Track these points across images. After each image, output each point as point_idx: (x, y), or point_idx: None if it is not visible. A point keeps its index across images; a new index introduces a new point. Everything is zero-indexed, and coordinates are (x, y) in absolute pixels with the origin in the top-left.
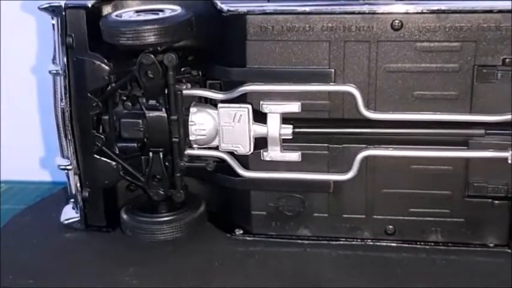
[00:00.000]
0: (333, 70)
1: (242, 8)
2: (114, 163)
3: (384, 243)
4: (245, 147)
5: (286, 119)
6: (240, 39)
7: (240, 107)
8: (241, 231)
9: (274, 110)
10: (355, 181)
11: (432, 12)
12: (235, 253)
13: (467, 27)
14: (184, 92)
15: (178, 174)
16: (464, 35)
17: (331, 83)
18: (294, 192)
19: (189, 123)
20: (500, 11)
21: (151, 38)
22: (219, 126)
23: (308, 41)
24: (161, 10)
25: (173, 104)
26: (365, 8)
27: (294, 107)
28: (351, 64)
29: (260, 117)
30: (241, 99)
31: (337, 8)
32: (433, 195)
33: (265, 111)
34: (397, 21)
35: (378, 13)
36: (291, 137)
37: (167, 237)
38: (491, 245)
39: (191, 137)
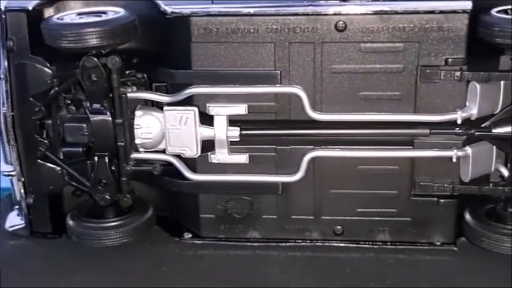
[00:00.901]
0: (278, 72)
1: (186, 9)
2: (58, 168)
3: (333, 244)
4: (192, 150)
5: (233, 121)
6: (185, 41)
7: (186, 110)
8: (190, 235)
9: (220, 112)
10: (303, 182)
11: (375, 13)
12: (183, 257)
13: (410, 28)
14: (129, 95)
15: (124, 179)
16: (407, 36)
17: (277, 85)
18: (243, 195)
19: (135, 126)
20: (442, 12)
21: (93, 41)
22: (165, 130)
23: (253, 43)
24: (104, 12)
25: (118, 107)
26: (309, 10)
27: (241, 109)
28: (296, 65)
29: (207, 119)
30: (188, 101)
31: (281, 10)
32: (380, 195)
33: (212, 113)
34: (341, 23)
35: (322, 14)
36: (238, 139)
37: (114, 242)
38: (438, 243)
39: (137, 141)
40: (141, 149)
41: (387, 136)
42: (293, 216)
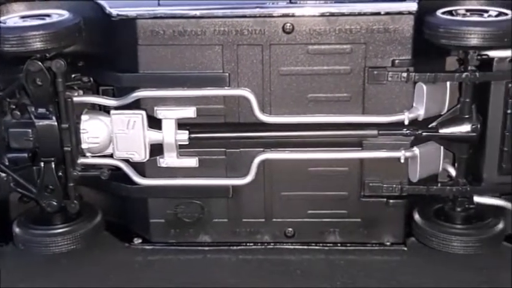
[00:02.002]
0: (227, 74)
1: (132, 12)
2: (4, 175)
3: (284, 246)
4: (140, 155)
5: (182, 124)
6: (131, 44)
7: (133, 114)
8: (140, 240)
9: (169, 115)
10: (253, 185)
11: (322, 15)
12: (133, 263)
13: (357, 30)
14: (75, 99)
15: (71, 184)
16: (354, 38)
17: (226, 87)
18: (193, 199)
19: (81, 131)
20: (387, 13)
21: (37, 44)
22: (112, 134)
23: (200, 45)
24: (48, 15)
25: (63, 111)
26: (256, 12)
27: (189, 112)
28: (244, 68)
29: (155, 123)
30: (135, 105)
31: (228, 12)
32: (330, 197)
33: (160, 117)
34: (288, 25)
35: (269, 16)
36: (187, 143)
37: (62, 249)
38: (388, 243)
39: (84, 146)
40: (88, 154)
41: (336, 138)
42: (244, 220)
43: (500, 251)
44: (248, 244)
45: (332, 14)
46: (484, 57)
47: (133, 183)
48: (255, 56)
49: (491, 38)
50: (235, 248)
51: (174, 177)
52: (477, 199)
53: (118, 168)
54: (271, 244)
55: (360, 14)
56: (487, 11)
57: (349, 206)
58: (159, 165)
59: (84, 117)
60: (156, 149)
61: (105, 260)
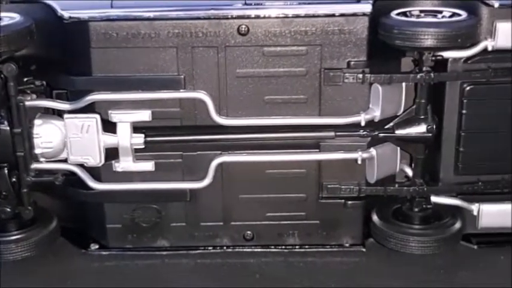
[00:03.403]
0: (182, 77)
1: (84, 14)
2: None
3: (243, 249)
4: (95, 159)
5: (137, 128)
6: (84, 47)
7: (87, 117)
8: (97, 246)
9: (123, 119)
10: (211, 188)
11: (277, 17)
12: (90, 269)
13: (312, 31)
14: (27, 103)
15: (25, 190)
16: (310, 39)
17: (181, 90)
18: (150, 203)
19: (34, 136)
20: (342, 15)
21: None
22: (66, 138)
23: (155, 48)
24: None
25: (16, 116)
26: (211, 13)
27: (145, 115)
28: (200, 70)
29: (110, 126)
30: (89, 109)
31: (182, 14)
32: (288, 199)
33: (115, 120)
34: (243, 26)
35: (224, 18)
36: (143, 146)
37: (16, 257)
38: (347, 244)
39: (37, 151)
40: (41, 159)
41: (294, 140)
42: (202, 223)
43: (458, 250)
44: (207, 248)
45: (287, 16)
46: (438, 58)
47: (88, 188)
48: (211, 58)
49: (445, 39)
50: (193, 252)
51: (131, 182)
52: (434, 199)
53: (73, 173)
54: (230, 248)
55: (314, 16)
56: (441, 12)
57: (307, 208)
58: (114, 169)
59: (37, 121)
60: (112, 153)
61: (61, 267)
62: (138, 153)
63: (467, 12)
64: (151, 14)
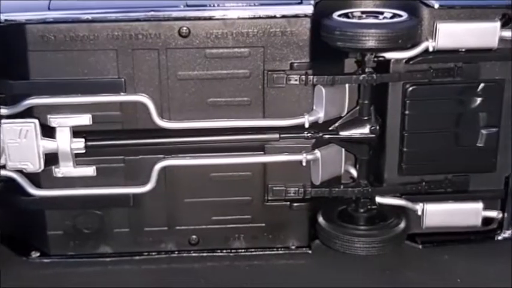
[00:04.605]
0: (123, 79)
1: (20, 17)
2: None
3: (188, 254)
4: (34, 165)
5: (77, 132)
6: (21, 50)
7: (25, 122)
8: (38, 254)
9: (63, 123)
10: (155, 193)
11: (218, 18)
12: (31, 277)
13: (254, 33)
14: None
15: None
16: (252, 41)
17: (122, 93)
18: (92, 209)
19: None
20: (284, 16)
21: None
22: (4, 144)
23: (94, 50)
24: None
25: None
26: (151, 15)
27: (84, 119)
28: (141, 73)
29: (49, 131)
30: (28, 113)
31: (121, 15)
32: (234, 202)
33: (54, 125)
34: (184, 28)
35: (164, 20)
36: (83, 151)
37: None
38: (293, 247)
39: None
40: None
41: (238, 142)
42: (146, 229)
43: (403, 250)
44: (151, 254)
45: (229, 18)
46: (380, 59)
47: (28, 194)
48: (152, 61)
49: (386, 40)
50: (137, 258)
51: (71, 187)
52: (379, 200)
53: (12, 180)
54: (175, 253)
55: (256, 18)
56: (382, 13)
57: (253, 210)
58: (54, 175)
59: None
60: (51, 159)
61: (1, 275)
62: (78, 158)
63: (408, 13)
64: (89, 16)
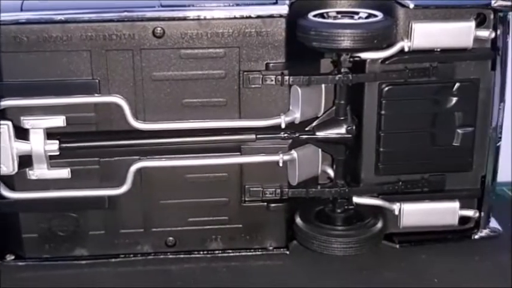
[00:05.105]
0: (97, 81)
1: None
2: None
3: (165, 256)
4: (8, 167)
5: (51, 134)
6: None
7: None
8: (13, 257)
9: (36, 125)
10: (131, 194)
11: (193, 19)
12: (6, 281)
13: (229, 34)
14: None
15: None
16: (227, 41)
17: (96, 95)
18: (67, 211)
19: None
20: (259, 17)
21: None
22: None
23: (67, 51)
24: None
25: None
26: (124, 16)
27: (58, 121)
28: (115, 74)
29: (22, 133)
30: (1, 115)
31: (94, 16)
32: (210, 203)
33: (27, 127)
34: (158, 29)
35: (138, 20)
36: (58, 153)
37: None
38: (271, 248)
39: None
40: None
41: (214, 143)
42: (122, 231)
43: (381, 250)
44: (127, 256)
45: (203, 18)
46: (356, 59)
47: (2, 197)
48: (126, 62)
49: (361, 40)
50: (113, 260)
51: (46, 190)
52: (356, 200)
53: None
54: (152, 255)
55: (231, 18)
56: (357, 13)
57: (230, 212)
58: (29, 177)
59: None
60: (25, 161)
61: None
62: (53, 160)
63: (383, 14)
64: (62, 17)
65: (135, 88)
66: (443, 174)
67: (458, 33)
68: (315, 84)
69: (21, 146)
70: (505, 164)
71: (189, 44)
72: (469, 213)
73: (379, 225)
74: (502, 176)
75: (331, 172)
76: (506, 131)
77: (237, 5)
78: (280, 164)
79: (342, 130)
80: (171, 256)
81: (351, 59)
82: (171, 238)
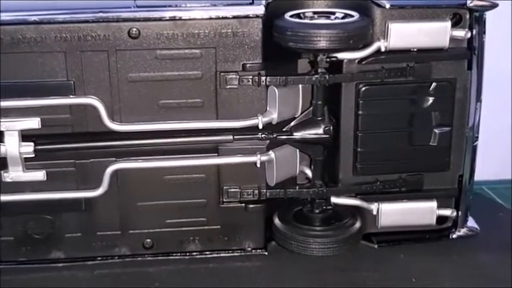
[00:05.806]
0: (72, 82)
1: None
2: None
3: (143, 258)
4: None
5: (26, 136)
6: None
7: None
8: None
9: (11, 127)
10: (107, 196)
11: (169, 19)
12: None
13: (205, 34)
14: None
15: None
16: (203, 42)
17: (71, 96)
18: (43, 214)
19: None
20: (235, 17)
21: None
22: None
23: (41, 52)
24: None
25: None
26: (99, 16)
27: (33, 123)
28: (90, 75)
29: None
30: None
31: (69, 17)
32: (188, 205)
33: (2, 129)
34: (134, 29)
35: (113, 21)
36: (33, 155)
37: None
38: (249, 249)
39: None
40: None
41: (191, 144)
42: (99, 233)
43: (359, 250)
44: (105, 258)
45: (179, 18)
46: (333, 59)
47: None
48: (101, 63)
49: (337, 40)
50: (90, 263)
51: (22, 192)
52: (334, 200)
53: None
54: (129, 257)
55: (207, 18)
56: (333, 13)
57: (208, 213)
58: (3, 179)
59: None
60: (0, 163)
61: None
62: (28, 163)
63: (359, 14)
64: (37, 18)
65: (110, 89)
66: (420, 174)
67: (435, 33)
68: (292, 85)
69: None
70: (505, 163)
71: (165, 44)
72: (447, 212)
73: (358, 225)
74: (502, 175)
75: (309, 172)
76: (507, 130)
77: (213, 5)
78: (258, 165)
79: (320, 130)
80: (148, 258)
81: (328, 59)
82: (148, 240)
